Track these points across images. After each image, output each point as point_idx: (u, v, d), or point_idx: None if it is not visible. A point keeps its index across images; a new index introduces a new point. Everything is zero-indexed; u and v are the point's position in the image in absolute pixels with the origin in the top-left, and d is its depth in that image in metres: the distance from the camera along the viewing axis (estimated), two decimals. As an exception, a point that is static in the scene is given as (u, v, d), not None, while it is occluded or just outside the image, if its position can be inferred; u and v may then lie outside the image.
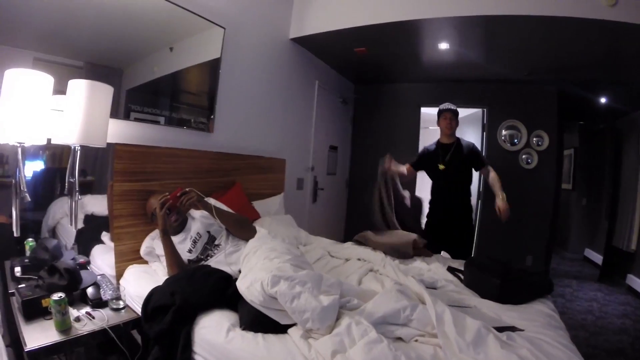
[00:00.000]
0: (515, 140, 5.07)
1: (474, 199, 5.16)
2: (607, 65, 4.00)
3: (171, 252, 2.07)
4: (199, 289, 1.73)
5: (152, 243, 2.22)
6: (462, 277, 2.31)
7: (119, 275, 2.16)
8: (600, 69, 4.15)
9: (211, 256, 2.18)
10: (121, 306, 1.87)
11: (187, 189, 2.02)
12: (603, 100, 5.28)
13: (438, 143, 3.52)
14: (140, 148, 2.26)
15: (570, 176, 7.09)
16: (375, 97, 5.66)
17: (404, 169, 3.43)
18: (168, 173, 2.42)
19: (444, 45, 3.93)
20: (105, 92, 1.83)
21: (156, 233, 2.21)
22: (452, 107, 3.48)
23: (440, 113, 3.50)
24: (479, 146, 5.00)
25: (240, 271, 1.99)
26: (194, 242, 2.18)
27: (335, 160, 5.19)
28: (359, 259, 2.52)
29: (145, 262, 2.26)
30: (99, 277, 2.02)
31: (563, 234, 7.06)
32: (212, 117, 2.86)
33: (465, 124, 5.70)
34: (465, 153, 3.39)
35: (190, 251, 2.16)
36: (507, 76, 4.80)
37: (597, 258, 6.18)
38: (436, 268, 2.50)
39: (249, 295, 1.59)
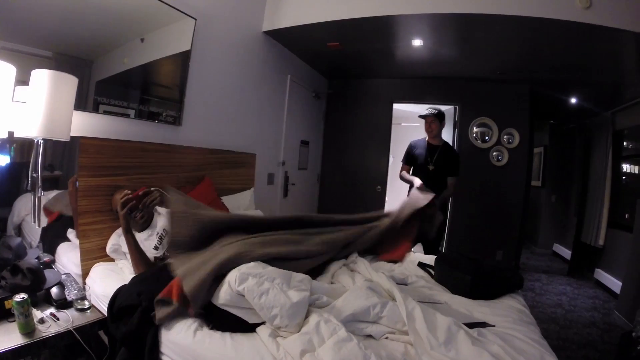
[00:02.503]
0: (487, 138, 5.24)
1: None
2: (580, 66, 4.14)
3: (136, 251, 2.06)
4: None
5: (119, 240, 2.21)
6: (432, 272, 2.35)
7: (85, 274, 2.13)
8: (573, 70, 4.30)
9: None
10: (86, 306, 1.85)
11: (151, 189, 2.02)
12: (574, 100, 5.48)
13: (427, 142, 3.93)
14: (107, 142, 2.25)
15: (539, 173, 7.34)
16: (348, 92, 5.74)
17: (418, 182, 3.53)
18: (136, 167, 2.42)
19: (417, 42, 4.01)
20: (69, 83, 1.78)
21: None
22: (432, 111, 3.86)
23: (423, 117, 3.90)
24: (450, 143, 5.18)
25: None
26: (160, 238, 2.17)
27: (306, 155, 5.25)
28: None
29: (112, 260, 2.25)
30: (63, 276, 1.99)
31: (532, 230, 7.31)
32: (181, 110, 2.86)
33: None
34: (450, 158, 3.81)
35: (156, 248, 2.15)
36: (480, 74, 4.95)
37: (566, 253, 6.43)
38: (407, 264, 2.54)
39: (217, 300, 1.59)
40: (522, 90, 5.14)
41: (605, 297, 4.79)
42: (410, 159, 3.97)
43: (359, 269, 2.18)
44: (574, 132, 6.75)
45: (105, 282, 2.01)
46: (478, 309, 1.83)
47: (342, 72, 5.54)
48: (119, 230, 2.23)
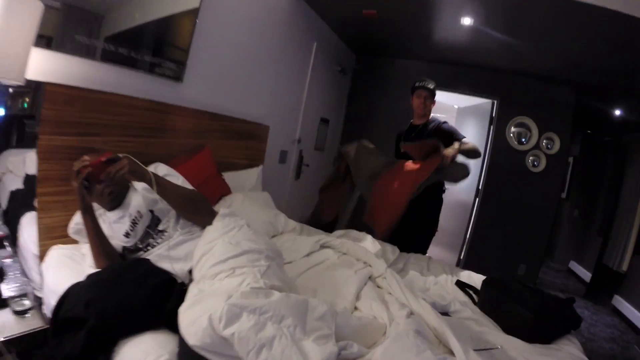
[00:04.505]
0: (523, 140, 4.66)
1: (466, 196, 4.76)
2: (630, 73, 3.64)
3: (96, 237, 1.51)
4: (125, 302, 1.20)
5: None
6: (474, 297, 1.93)
7: (42, 257, 1.63)
8: (621, 77, 3.82)
9: (153, 246, 1.61)
10: (26, 307, 1.35)
11: (119, 155, 1.44)
12: (617, 112, 4.97)
13: (410, 124, 3.24)
14: (79, 91, 1.67)
15: (566, 185, 6.75)
16: (377, 71, 5.08)
17: None
18: (117, 127, 1.86)
19: (467, 21, 3.41)
20: (29, 9, 1.30)
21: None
22: (430, 84, 3.04)
23: (413, 90, 3.09)
24: (483, 141, 4.59)
25: (190, 272, 1.48)
26: (134, 223, 1.61)
27: (324, 135, 4.62)
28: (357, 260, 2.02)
29: (75, 242, 1.72)
30: (6, 260, 1.50)
31: (550, 243, 6.74)
32: (184, 63, 2.27)
33: (469, 115, 5.23)
34: (430, 132, 2.99)
35: (127, 235, 1.60)
36: (525, 69, 4.36)
37: (582, 272, 5.99)
38: (444, 281, 2.09)
39: (188, 337, 1.04)
40: (567, 93, 4.54)
41: (623, 328, 4.37)
42: (398, 150, 3.21)
43: (391, 286, 1.71)
44: (608, 146, 6.14)
45: (59, 272, 1.52)
46: (538, 359, 1.39)
47: (372, 48, 4.88)
48: None
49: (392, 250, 2.39)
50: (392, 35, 4.23)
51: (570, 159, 6.68)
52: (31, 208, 1.65)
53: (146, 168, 1.50)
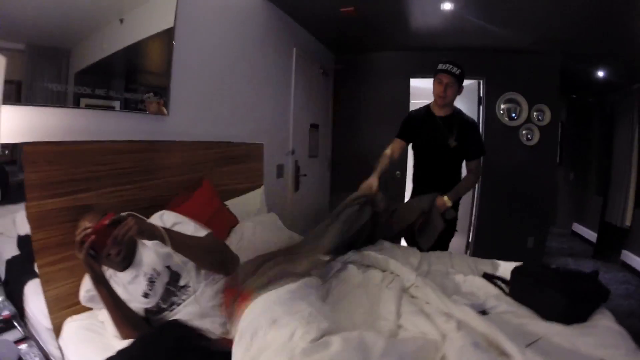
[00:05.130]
0: (514, 115, 4.53)
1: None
2: (612, 38, 3.64)
3: (114, 307, 1.35)
4: None
5: None
6: (504, 287, 1.81)
7: (58, 330, 1.46)
8: (604, 42, 3.77)
9: (178, 304, 1.45)
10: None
11: (122, 214, 1.28)
12: (600, 74, 4.89)
13: (428, 111, 2.68)
14: (60, 146, 1.48)
15: (557, 150, 6.66)
16: (359, 67, 4.89)
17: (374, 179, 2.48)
18: (107, 178, 1.66)
19: (447, 6, 3.26)
20: None
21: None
22: (454, 68, 2.53)
23: (435, 74, 2.58)
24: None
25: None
26: (151, 281, 1.44)
27: (317, 141, 4.43)
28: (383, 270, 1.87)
29: (90, 309, 1.56)
30: (22, 347, 1.30)
31: (550, 209, 6.71)
32: (167, 95, 2.06)
33: (459, 97, 5.08)
34: (469, 132, 2.60)
35: (146, 295, 1.43)
36: (508, 45, 4.22)
37: (586, 233, 5.95)
38: (472, 277, 1.94)
39: None
40: (553, 62, 4.40)
41: (636, 282, 4.33)
42: (407, 134, 2.73)
43: (427, 296, 1.58)
44: (593, 107, 6.06)
45: (82, 349, 1.37)
46: (582, 341, 1.33)
47: (351, 46, 4.69)
48: None
49: (413, 253, 2.22)
50: (370, 29, 4.05)
51: (559, 125, 6.61)
52: (33, 275, 1.46)
53: (154, 225, 1.32)
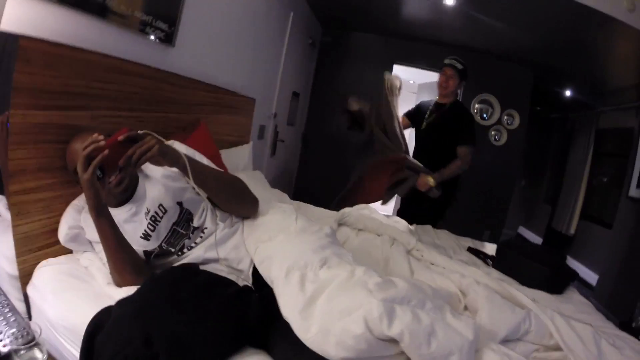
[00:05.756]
0: (484, 115, 4.63)
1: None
2: (583, 61, 3.85)
3: (118, 246, 1.12)
4: (199, 325, 0.88)
5: (80, 218, 1.26)
6: (488, 261, 1.96)
7: (25, 277, 1.21)
8: (576, 60, 3.93)
9: (190, 248, 1.26)
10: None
11: (139, 131, 1.06)
12: (567, 92, 5.18)
13: (435, 102, 2.94)
14: (63, 49, 1.24)
15: (521, 154, 6.96)
16: (344, 45, 4.79)
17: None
18: (106, 98, 1.44)
19: (450, 1, 3.26)
20: None
21: (84, 202, 1.26)
22: (457, 64, 2.77)
23: (441, 67, 2.84)
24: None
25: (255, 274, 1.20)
26: (154, 220, 1.22)
27: (296, 110, 4.29)
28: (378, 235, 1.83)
29: (68, 252, 1.32)
30: None
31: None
32: (176, 24, 1.87)
33: (430, 90, 5.10)
34: (458, 118, 2.78)
35: (146, 237, 1.21)
36: (489, 47, 4.31)
37: (531, 237, 6.28)
38: (458, 250, 2.06)
39: (330, 349, 0.85)
40: (526, 73, 4.61)
41: (576, 285, 4.51)
42: (413, 115, 3.04)
43: (433, 259, 1.66)
44: (554, 122, 6.38)
45: (63, 298, 1.13)
46: (563, 307, 1.49)
47: (341, 21, 4.57)
48: (78, 201, 1.30)
49: (399, 221, 2.21)
50: (363, 8, 3.97)
51: (525, 131, 6.88)
52: None
53: (176, 149, 1.13)
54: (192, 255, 1.24)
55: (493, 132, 4.62)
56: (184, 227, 1.25)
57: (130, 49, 1.62)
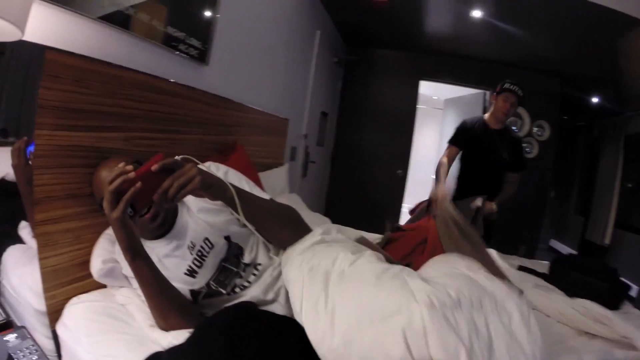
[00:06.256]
0: (514, 128, 4.35)
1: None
2: (610, 66, 3.59)
3: (158, 290, 0.92)
4: None
5: (114, 250, 1.07)
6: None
7: (53, 314, 1.03)
8: (603, 68, 3.74)
9: (243, 288, 1.04)
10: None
11: (177, 157, 0.87)
12: (595, 99, 4.93)
13: (484, 124, 2.67)
14: (95, 64, 1.08)
15: (552, 166, 6.66)
16: (369, 62, 4.60)
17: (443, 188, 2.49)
18: (141, 119, 1.28)
19: (477, 13, 3.13)
20: None
21: None
22: (519, 90, 2.57)
23: (502, 90, 2.59)
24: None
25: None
26: (200, 255, 1.02)
27: (324, 129, 4.10)
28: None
29: (101, 286, 1.14)
30: (11, 340, 0.87)
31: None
32: (209, 42, 1.70)
33: (457, 106, 4.90)
34: (503, 143, 2.61)
35: (192, 273, 1.01)
36: (515, 60, 4.11)
37: (563, 249, 5.91)
38: (509, 270, 1.82)
39: None
40: (553, 82, 4.39)
41: None
42: (462, 141, 2.73)
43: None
44: (580, 130, 6.02)
45: (99, 342, 0.94)
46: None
47: (364, 38, 4.40)
48: (111, 231, 1.09)
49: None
50: (386, 24, 3.81)
51: (556, 142, 6.62)
52: (15, 238, 1.03)
53: (221, 179, 0.93)
54: (247, 296, 1.03)
55: (524, 145, 4.32)
56: (233, 263, 1.05)
57: (163, 66, 1.46)
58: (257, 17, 2.18)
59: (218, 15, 1.72)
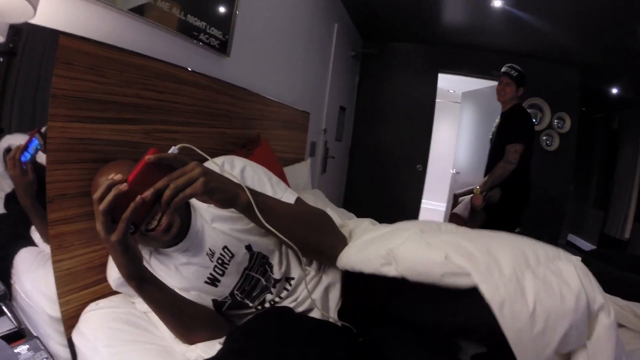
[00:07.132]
0: (534, 120, 4.12)
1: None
2: (629, 55, 3.37)
3: (175, 310, 0.79)
4: None
5: None
6: None
7: (69, 321, 0.91)
8: (622, 58, 3.54)
9: (272, 304, 0.91)
10: None
11: (173, 148, 0.67)
12: (614, 90, 4.62)
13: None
14: (113, 51, 0.96)
15: (574, 158, 6.38)
16: (386, 55, 4.40)
17: None
18: (161, 111, 1.15)
19: (497, 3, 2.95)
20: None
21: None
22: (512, 71, 2.64)
23: (499, 75, 2.72)
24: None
25: None
26: (221, 263, 0.87)
27: (342, 124, 3.93)
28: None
29: (116, 292, 1.01)
30: (23, 352, 0.77)
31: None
32: (230, 32, 1.57)
33: (484, 98, 4.68)
34: (510, 120, 2.59)
35: (213, 282, 0.87)
36: (534, 50, 3.88)
37: (582, 244, 5.61)
38: None
39: None
40: (572, 73, 4.10)
41: None
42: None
43: None
44: (598, 122, 5.73)
45: (119, 353, 0.83)
46: None
47: (380, 32, 4.20)
48: None
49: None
50: (403, 17, 3.62)
51: (576, 134, 6.35)
52: (26, 241, 0.92)
53: (233, 181, 0.74)
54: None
55: (544, 137, 4.13)
56: (259, 272, 0.90)
57: (184, 55, 1.33)
58: (276, 8, 2.04)
59: (239, 5, 1.58)
